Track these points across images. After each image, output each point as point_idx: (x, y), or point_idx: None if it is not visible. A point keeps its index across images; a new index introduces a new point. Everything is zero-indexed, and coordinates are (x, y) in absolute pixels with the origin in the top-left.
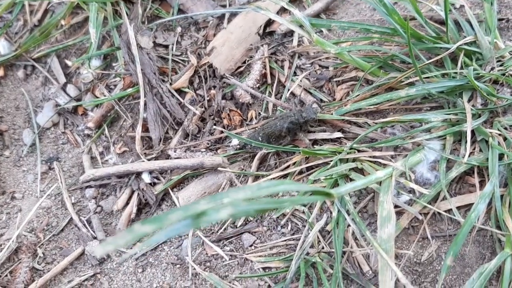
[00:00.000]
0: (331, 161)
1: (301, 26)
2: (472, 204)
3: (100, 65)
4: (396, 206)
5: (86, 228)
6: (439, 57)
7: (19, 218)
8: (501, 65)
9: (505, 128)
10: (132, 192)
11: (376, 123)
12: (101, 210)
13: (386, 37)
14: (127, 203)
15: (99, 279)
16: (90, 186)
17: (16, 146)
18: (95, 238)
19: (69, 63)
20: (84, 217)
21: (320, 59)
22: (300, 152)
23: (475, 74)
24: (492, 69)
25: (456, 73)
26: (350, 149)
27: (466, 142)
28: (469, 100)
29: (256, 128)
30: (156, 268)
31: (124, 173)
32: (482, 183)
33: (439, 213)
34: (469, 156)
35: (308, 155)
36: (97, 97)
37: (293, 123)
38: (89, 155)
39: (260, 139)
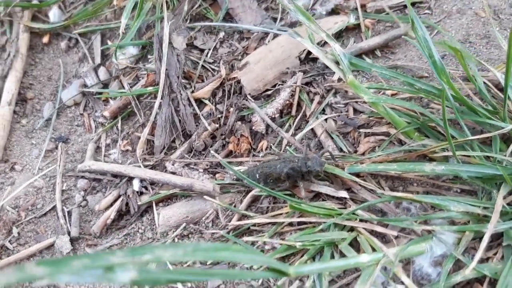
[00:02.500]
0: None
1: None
2: None
3: (136, 54)
4: None
5: (65, 219)
6: (486, 135)
7: (7, 191)
8: None
9: None
10: (119, 195)
11: (385, 195)
12: (86, 205)
13: (433, 96)
14: (111, 205)
15: None
16: (84, 177)
17: (34, 116)
18: (69, 232)
19: (110, 44)
20: (68, 208)
21: (356, 102)
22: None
23: None
24: None
25: (503, 159)
26: (352, 214)
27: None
28: (508, 195)
29: (257, 164)
30: None
31: (117, 173)
32: None
33: None
34: (486, 261)
35: (298, 211)
36: (123, 86)
37: (294, 170)
38: (96, 145)
39: (257, 177)
